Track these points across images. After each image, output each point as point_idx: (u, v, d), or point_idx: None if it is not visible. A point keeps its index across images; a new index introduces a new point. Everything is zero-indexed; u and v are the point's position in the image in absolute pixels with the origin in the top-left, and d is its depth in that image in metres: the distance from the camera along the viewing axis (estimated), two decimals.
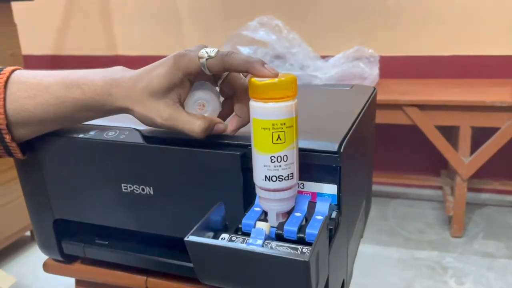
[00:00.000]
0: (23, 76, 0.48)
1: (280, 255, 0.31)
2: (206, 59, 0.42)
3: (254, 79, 0.38)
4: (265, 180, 0.40)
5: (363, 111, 0.55)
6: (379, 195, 2.07)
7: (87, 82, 0.46)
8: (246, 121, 0.45)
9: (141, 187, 0.49)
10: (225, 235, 0.39)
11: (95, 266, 0.59)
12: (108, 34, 2.36)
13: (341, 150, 0.42)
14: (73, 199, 0.54)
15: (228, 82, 0.46)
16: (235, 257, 0.33)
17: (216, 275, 0.36)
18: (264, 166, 0.39)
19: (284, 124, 0.38)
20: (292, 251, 0.36)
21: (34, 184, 0.55)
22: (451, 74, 1.89)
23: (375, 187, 2.08)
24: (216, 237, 0.39)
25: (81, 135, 0.50)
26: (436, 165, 1.99)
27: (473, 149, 1.60)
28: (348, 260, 0.51)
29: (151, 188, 0.49)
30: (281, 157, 0.39)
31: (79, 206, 0.54)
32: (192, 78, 0.44)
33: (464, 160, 1.60)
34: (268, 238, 0.39)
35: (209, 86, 0.46)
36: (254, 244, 0.36)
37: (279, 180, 0.39)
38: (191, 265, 0.42)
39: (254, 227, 0.39)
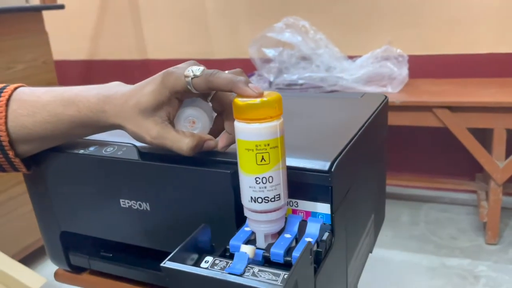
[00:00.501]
0: (24, 93, 0.49)
1: (252, 286, 0.31)
2: (192, 78, 0.41)
3: (237, 99, 0.37)
4: (251, 202, 0.39)
5: (367, 123, 0.53)
6: (411, 199, 2.00)
7: (82, 99, 0.47)
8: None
9: (138, 202, 0.49)
10: (209, 258, 0.38)
11: (103, 277, 0.60)
12: (138, 39, 2.41)
13: (333, 170, 0.41)
14: (76, 212, 0.55)
15: (217, 99, 0.45)
16: (210, 285, 0.32)
17: None
18: (250, 187, 0.38)
19: (268, 145, 0.37)
20: (273, 277, 0.35)
21: (41, 197, 0.56)
22: (486, 73, 1.80)
23: (406, 191, 2.02)
24: (200, 259, 0.38)
25: (81, 151, 0.51)
26: (471, 168, 1.91)
27: (508, 153, 1.52)
28: (348, 279, 0.50)
29: (148, 204, 0.49)
30: (266, 179, 0.38)
31: (82, 219, 0.55)
32: (180, 96, 0.44)
33: (499, 164, 1.52)
34: (252, 262, 0.38)
35: (200, 102, 0.46)
36: (234, 270, 0.35)
37: (265, 202, 0.38)
38: None
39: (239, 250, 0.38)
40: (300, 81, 1.81)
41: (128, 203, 0.50)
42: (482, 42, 1.79)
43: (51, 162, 0.53)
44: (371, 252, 0.62)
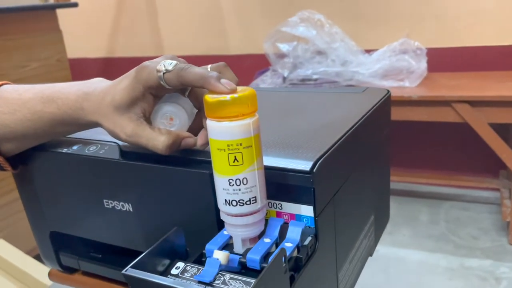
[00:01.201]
0: (6, 91, 0.48)
1: None
2: (164, 73, 0.39)
3: (207, 96, 0.35)
4: (226, 204, 0.37)
5: (362, 119, 0.50)
6: (431, 197, 1.94)
7: (61, 96, 0.46)
8: None
9: (121, 203, 0.48)
10: (180, 264, 0.36)
11: (95, 278, 0.59)
12: (154, 35, 2.41)
13: (315, 170, 0.38)
14: (63, 212, 0.54)
15: (194, 95, 0.43)
16: None
17: None
18: (223, 189, 0.36)
19: (241, 144, 0.35)
20: (243, 286, 0.32)
21: (29, 196, 0.56)
22: (509, 66, 1.72)
23: (426, 188, 1.96)
24: (171, 265, 0.36)
25: (64, 150, 0.50)
26: (495, 165, 1.84)
27: None
28: (340, 286, 0.47)
29: (130, 205, 0.47)
30: (240, 180, 0.36)
31: (69, 219, 0.54)
32: (154, 91, 0.42)
33: None
34: (228, 268, 0.36)
35: (178, 97, 0.44)
36: (204, 278, 0.33)
37: (239, 205, 0.36)
38: None
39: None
40: (315, 76, 1.77)
41: (111, 203, 0.48)
42: (505, 34, 1.71)
43: (36, 160, 0.52)
44: (371, 255, 0.59)
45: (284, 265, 0.33)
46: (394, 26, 1.87)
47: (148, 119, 0.43)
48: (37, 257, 1.44)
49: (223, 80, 0.36)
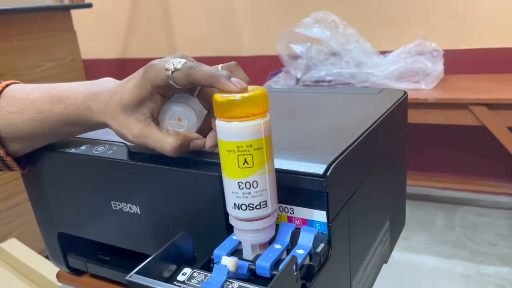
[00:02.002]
0: (14, 91, 0.48)
1: None
2: (172, 72, 0.38)
3: (217, 95, 0.33)
4: (235, 209, 0.35)
5: (378, 121, 0.48)
6: (447, 201, 1.90)
7: (69, 96, 0.45)
8: None
9: (128, 205, 0.47)
10: (187, 270, 0.35)
11: (101, 280, 0.58)
12: (168, 37, 2.42)
13: (328, 174, 0.36)
14: (71, 213, 0.53)
15: (203, 95, 0.41)
16: None
17: None
18: (233, 192, 0.35)
19: (251, 146, 0.33)
20: None
21: (37, 197, 0.55)
22: None
23: (442, 192, 1.92)
24: (178, 271, 0.35)
25: (72, 150, 0.49)
26: None
27: None
28: None
29: (137, 207, 0.46)
30: (249, 183, 0.34)
31: (76, 220, 0.53)
32: (162, 91, 0.40)
33: None
34: (236, 275, 0.35)
35: (187, 98, 0.43)
36: (211, 285, 0.32)
37: (249, 209, 0.35)
38: None
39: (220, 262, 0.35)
40: (328, 78, 1.75)
41: (119, 205, 0.47)
42: None
43: (44, 161, 0.51)
44: (386, 262, 0.57)
45: (295, 273, 0.31)
46: (411, 28, 1.83)
47: (156, 119, 0.42)
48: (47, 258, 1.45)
49: (233, 79, 0.35)
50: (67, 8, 1.60)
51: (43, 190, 0.53)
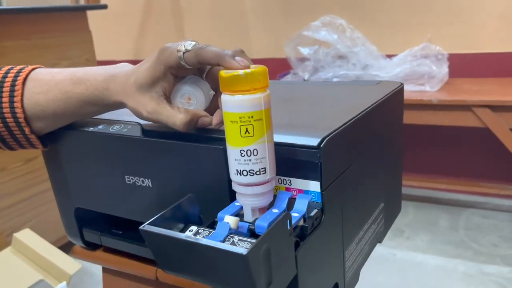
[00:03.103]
0: (40, 73, 0.52)
1: (219, 247, 0.31)
2: (183, 53, 0.42)
3: (222, 72, 0.38)
4: (237, 174, 0.39)
5: (373, 105, 0.52)
6: (451, 204, 1.92)
7: (89, 78, 0.49)
8: None
9: (141, 179, 0.51)
10: (193, 227, 0.39)
11: (114, 254, 0.63)
12: (179, 39, 2.47)
13: (322, 146, 0.40)
14: (88, 188, 0.57)
15: (211, 75, 0.46)
16: (183, 247, 0.33)
17: (172, 264, 0.36)
18: (235, 160, 0.39)
19: (252, 117, 0.37)
20: (247, 245, 0.35)
21: (56, 174, 0.59)
22: None
23: (446, 195, 1.94)
24: (185, 228, 0.39)
25: (90, 129, 0.54)
26: None
27: None
28: (346, 263, 0.49)
29: (149, 180, 0.50)
30: (250, 151, 0.38)
31: (93, 195, 0.57)
32: (174, 71, 0.45)
33: None
34: (236, 232, 0.38)
35: (196, 80, 0.47)
36: (214, 238, 0.36)
37: (250, 175, 0.39)
38: None
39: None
40: (335, 79, 1.79)
41: (132, 179, 0.52)
42: None
43: (64, 139, 0.55)
44: (380, 242, 0.61)
45: (288, 228, 0.35)
46: (417, 32, 1.87)
47: (168, 98, 0.46)
48: (62, 248, 1.50)
49: (237, 58, 0.39)
50: (83, 9, 1.66)
51: (62, 167, 0.58)
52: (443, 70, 1.64)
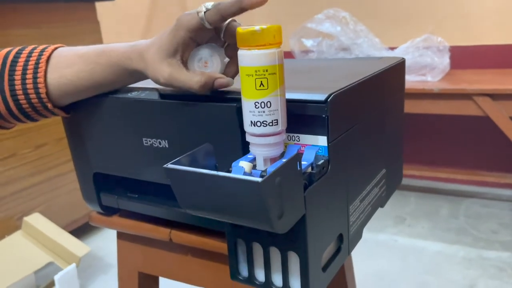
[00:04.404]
0: (63, 51, 0.56)
1: (238, 178, 0.34)
2: (204, 12, 0.45)
3: (239, 28, 0.41)
4: (251, 126, 0.42)
5: (375, 73, 0.55)
6: (450, 193, 1.95)
7: (112, 48, 0.53)
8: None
9: (158, 140, 0.54)
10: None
11: (129, 218, 0.66)
12: None
13: (329, 100, 0.44)
14: (106, 153, 0.61)
15: (229, 32, 0.49)
16: (203, 182, 0.36)
17: (193, 202, 0.39)
18: (250, 112, 0.42)
19: (267, 71, 0.41)
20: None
21: (76, 140, 0.63)
22: None
23: (446, 185, 1.97)
24: None
25: (109, 95, 0.57)
26: None
27: None
28: (350, 218, 0.52)
29: (166, 141, 0.54)
30: (264, 103, 0.41)
31: (111, 160, 0.60)
32: (194, 35, 0.48)
33: None
34: (249, 175, 0.42)
35: (212, 46, 0.50)
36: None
37: (263, 126, 0.42)
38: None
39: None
40: None
41: (149, 141, 0.55)
42: None
43: (84, 106, 0.59)
44: (382, 206, 0.64)
45: (299, 168, 0.39)
46: (419, 25, 1.90)
47: (185, 64, 0.50)
48: (70, 233, 1.53)
49: None
50: (91, 0, 1.70)
51: (82, 133, 0.61)
52: (445, 60, 1.67)
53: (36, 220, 1.49)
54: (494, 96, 1.48)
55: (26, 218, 1.48)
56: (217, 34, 0.50)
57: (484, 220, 1.72)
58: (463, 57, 1.82)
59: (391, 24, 1.98)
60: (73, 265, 1.37)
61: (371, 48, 1.83)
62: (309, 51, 1.93)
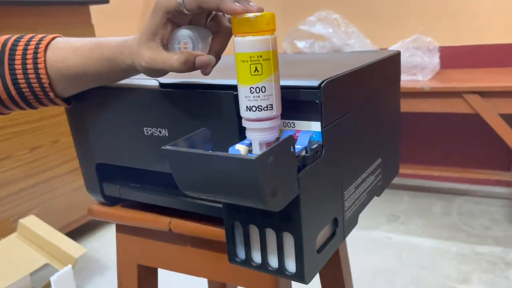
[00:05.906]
0: (59, 43, 0.56)
1: (233, 156, 0.36)
2: None
3: (234, 16, 0.43)
4: (247, 110, 0.44)
5: (370, 63, 0.57)
6: (443, 192, 1.98)
7: (106, 43, 0.53)
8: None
9: (158, 129, 0.56)
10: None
11: (129, 209, 0.67)
12: None
13: (322, 86, 0.45)
14: (108, 144, 0.62)
15: (216, 21, 0.49)
16: (200, 162, 0.38)
17: (190, 183, 0.41)
18: (245, 97, 0.44)
19: (261, 57, 0.42)
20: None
21: (79, 130, 0.64)
22: None
23: (439, 184, 2.00)
24: None
25: (112, 85, 0.58)
26: (507, 159, 1.87)
27: None
28: (345, 203, 0.53)
29: (166, 130, 0.55)
30: (259, 88, 0.43)
31: (113, 150, 0.61)
32: (172, 16, 0.46)
33: None
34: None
35: (192, 27, 0.49)
36: None
37: (258, 110, 0.44)
38: (208, 203, 0.50)
39: None
40: None
41: (150, 130, 0.56)
42: None
43: (86, 96, 0.60)
44: (378, 195, 0.65)
45: (292, 150, 0.40)
46: (409, 27, 1.93)
47: (166, 47, 0.49)
48: (66, 235, 1.54)
49: (236, 3, 0.42)
50: (85, 3, 1.71)
51: (85, 124, 0.62)
52: (435, 60, 1.70)
53: (32, 222, 1.49)
54: (483, 93, 1.51)
55: (21, 220, 1.48)
56: (198, 18, 0.49)
57: (477, 217, 1.74)
58: (453, 57, 1.85)
59: (382, 25, 2.01)
60: (69, 266, 1.38)
61: (363, 49, 1.86)
62: (301, 52, 1.96)
